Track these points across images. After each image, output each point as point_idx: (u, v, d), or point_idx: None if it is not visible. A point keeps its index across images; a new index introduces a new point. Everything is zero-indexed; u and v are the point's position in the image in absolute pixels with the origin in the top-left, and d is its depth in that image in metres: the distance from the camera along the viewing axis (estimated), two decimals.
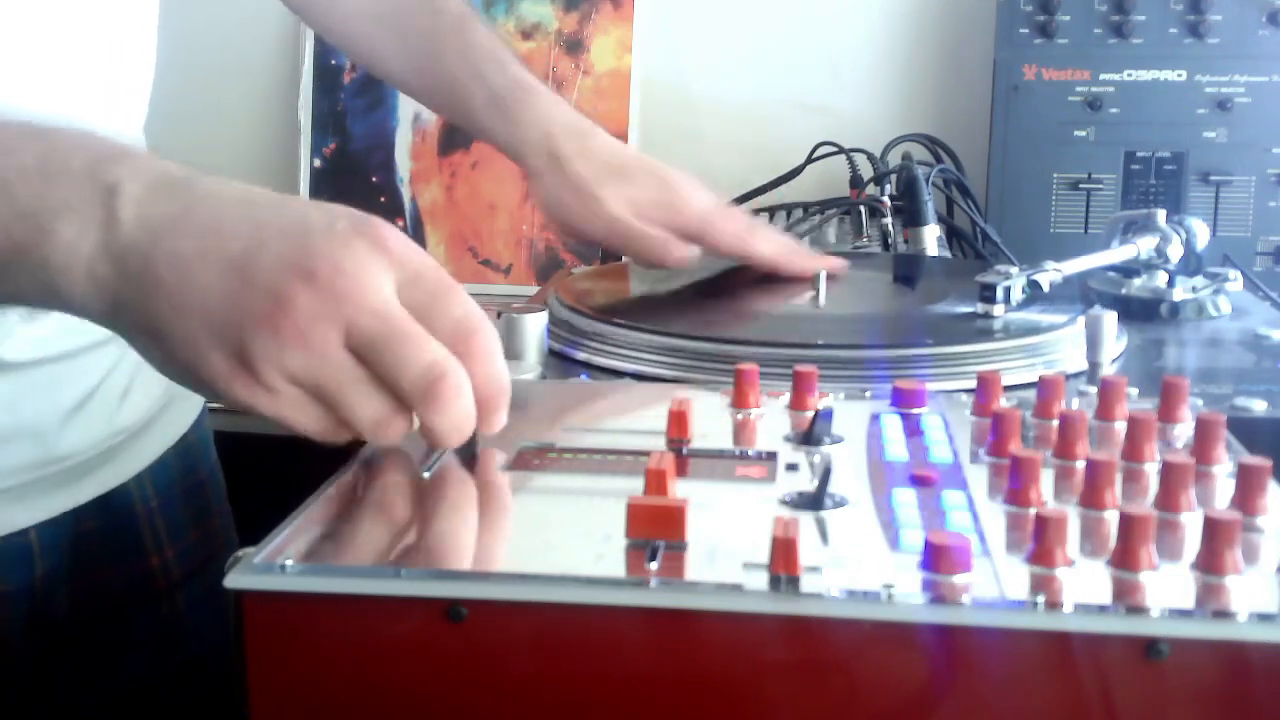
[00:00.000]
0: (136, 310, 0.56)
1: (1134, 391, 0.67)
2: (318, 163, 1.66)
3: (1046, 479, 0.56)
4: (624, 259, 1.03)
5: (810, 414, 0.62)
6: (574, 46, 1.63)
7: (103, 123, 0.80)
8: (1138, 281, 0.98)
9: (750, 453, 0.60)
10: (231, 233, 0.56)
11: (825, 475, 0.53)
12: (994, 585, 0.46)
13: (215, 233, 0.56)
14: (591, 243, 1.05)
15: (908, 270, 1.10)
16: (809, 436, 0.61)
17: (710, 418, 0.64)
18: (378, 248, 0.56)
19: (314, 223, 0.56)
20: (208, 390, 0.57)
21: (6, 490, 0.81)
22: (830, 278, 0.92)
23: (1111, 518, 0.51)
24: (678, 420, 0.60)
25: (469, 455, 0.58)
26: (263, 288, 0.54)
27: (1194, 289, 0.96)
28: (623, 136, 1.57)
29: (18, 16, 0.77)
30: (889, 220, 1.21)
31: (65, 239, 0.56)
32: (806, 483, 0.55)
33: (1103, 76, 1.42)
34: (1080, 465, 0.56)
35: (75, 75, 0.81)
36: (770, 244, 0.97)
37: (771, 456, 0.59)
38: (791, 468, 0.58)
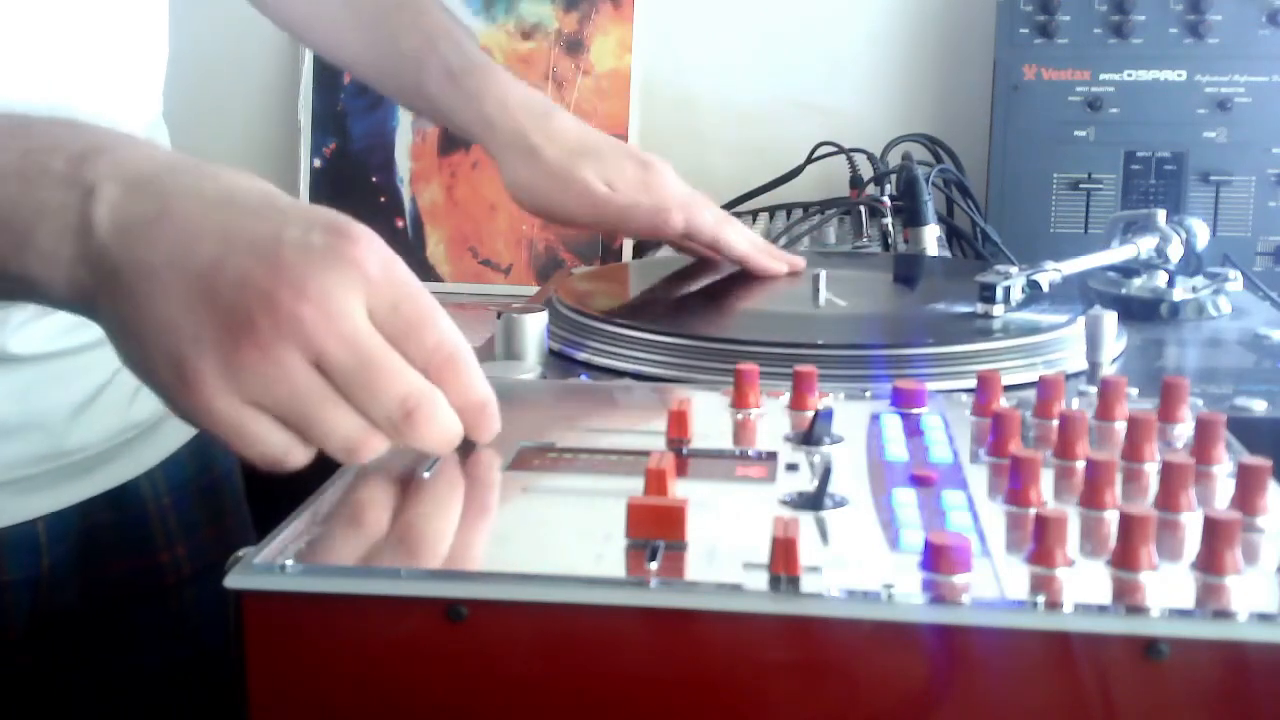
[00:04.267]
0: (110, 311, 0.55)
1: (1134, 391, 0.67)
2: (318, 163, 1.66)
3: (1046, 479, 0.56)
4: (624, 259, 1.02)
5: (810, 414, 0.62)
6: (574, 46, 1.63)
7: (116, 112, 0.79)
8: (1138, 281, 0.97)
9: (750, 453, 0.60)
10: (201, 242, 0.53)
11: (825, 475, 0.53)
12: (994, 585, 0.45)
13: (185, 242, 0.53)
14: (575, 225, 1.04)
15: (908, 270, 1.10)
16: (809, 436, 0.61)
17: (710, 418, 0.64)
18: (351, 267, 0.53)
19: (288, 236, 0.53)
20: (164, 399, 0.55)
21: (14, 482, 0.81)
22: (795, 274, 0.96)
23: (1111, 518, 0.51)
24: (678, 420, 0.60)
25: (467, 451, 0.58)
26: (221, 307, 0.52)
27: (1194, 289, 0.96)
28: (623, 136, 1.57)
29: (28, 7, 0.76)
30: (889, 220, 1.21)
31: (44, 248, 0.55)
32: (806, 483, 0.55)
33: (1103, 76, 1.42)
34: (1080, 465, 0.56)
35: (87, 64, 0.80)
36: (743, 240, 0.97)
37: (771, 456, 0.59)
38: (791, 468, 0.58)
